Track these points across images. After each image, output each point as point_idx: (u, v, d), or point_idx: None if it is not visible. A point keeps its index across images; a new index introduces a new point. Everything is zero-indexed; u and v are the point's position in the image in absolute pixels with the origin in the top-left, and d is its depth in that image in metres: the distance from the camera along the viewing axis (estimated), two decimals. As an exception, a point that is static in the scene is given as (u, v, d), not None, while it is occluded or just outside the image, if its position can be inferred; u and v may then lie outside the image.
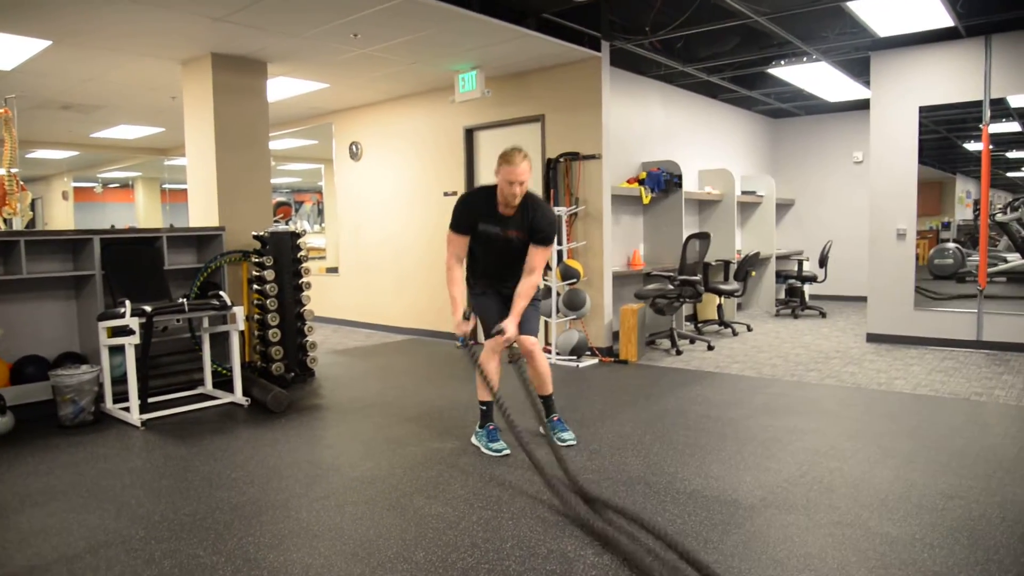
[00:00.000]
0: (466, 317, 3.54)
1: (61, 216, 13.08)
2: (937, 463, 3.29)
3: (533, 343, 3.61)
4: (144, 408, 4.30)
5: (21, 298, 4.60)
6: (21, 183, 5.10)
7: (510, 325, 3.43)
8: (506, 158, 3.33)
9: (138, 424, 4.17)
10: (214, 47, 5.29)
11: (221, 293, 4.73)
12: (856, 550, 2.42)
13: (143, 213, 13.62)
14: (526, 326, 3.58)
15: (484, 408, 3.69)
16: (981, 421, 4.01)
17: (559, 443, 3.63)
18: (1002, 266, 6.73)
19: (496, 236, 3.50)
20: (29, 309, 4.64)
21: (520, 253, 3.53)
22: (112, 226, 12.88)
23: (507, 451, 3.55)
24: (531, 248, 3.48)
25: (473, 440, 3.74)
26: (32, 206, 5.59)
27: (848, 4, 5.09)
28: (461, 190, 6.98)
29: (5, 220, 4.99)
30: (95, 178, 13.62)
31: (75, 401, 4.19)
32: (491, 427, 3.66)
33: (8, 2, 4.20)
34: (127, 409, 4.27)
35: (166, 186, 13.00)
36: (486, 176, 6.84)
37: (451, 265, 3.54)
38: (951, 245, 7.16)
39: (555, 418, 3.77)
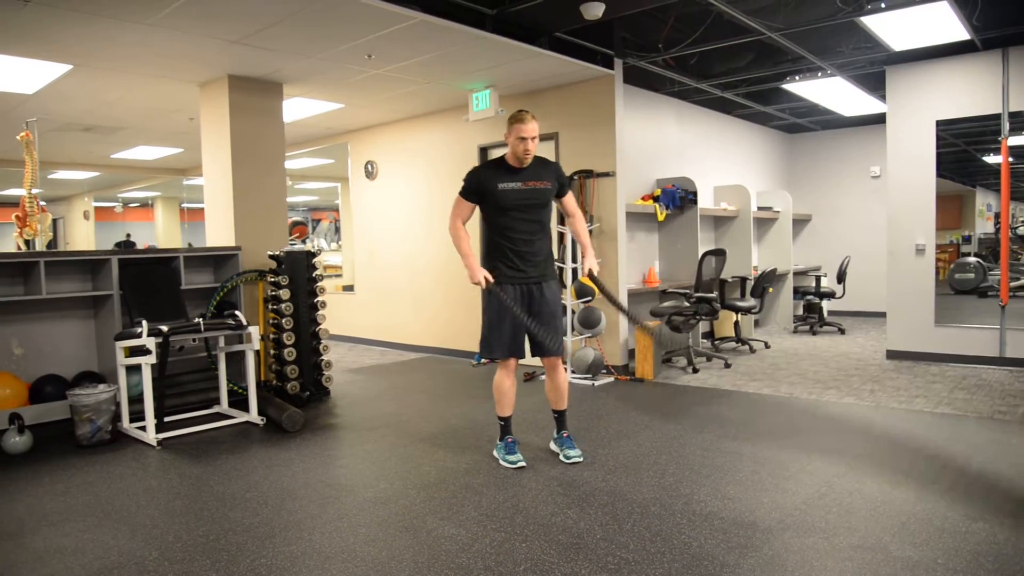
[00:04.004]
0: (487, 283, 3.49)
1: (82, 235, 13.26)
2: (960, 484, 3.22)
3: (557, 358, 3.71)
4: (160, 427, 4.32)
5: (40, 318, 4.65)
6: (42, 204, 5.18)
7: (592, 262, 3.65)
8: (516, 117, 3.49)
9: (154, 443, 4.19)
10: (230, 69, 5.36)
11: (237, 312, 4.76)
12: (876, 575, 2.37)
13: (162, 232, 13.78)
14: (555, 345, 3.61)
15: (502, 422, 3.72)
16: (1005, 440, 3.93)
17: (565, 460, 3.65)
18: (1024, 281, 6.63)
19: (518, 191, 3.52)
20: (48, 329, 4.70)
21: (540, 208, 3.60)
22: (128, 235, 13.08)
23: (523, 463, 3.59)
24: (564, 200, 3.74)
25: (494, 453, 3.78)
26: (53, 226, 5.67)
27: (862, 19, 5.07)
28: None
29: (26, 241, 5.07)
30: (116, 198, 13.82)
31: (92, 420, 4.21)
32: (509, 440, 3.69)
33: (30, 28, 4.29)
34: (143, 428, 4.29)
35: (185, 205, 13.15)
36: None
37: (457, 225, 3.63)
38: (972, 259, 7.06)
39: (565, 434, 3.79)
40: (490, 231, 3.64)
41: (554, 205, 3.83)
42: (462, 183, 3.65)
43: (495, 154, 6.88)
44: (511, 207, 3.53)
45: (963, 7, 4.96)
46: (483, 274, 3.50)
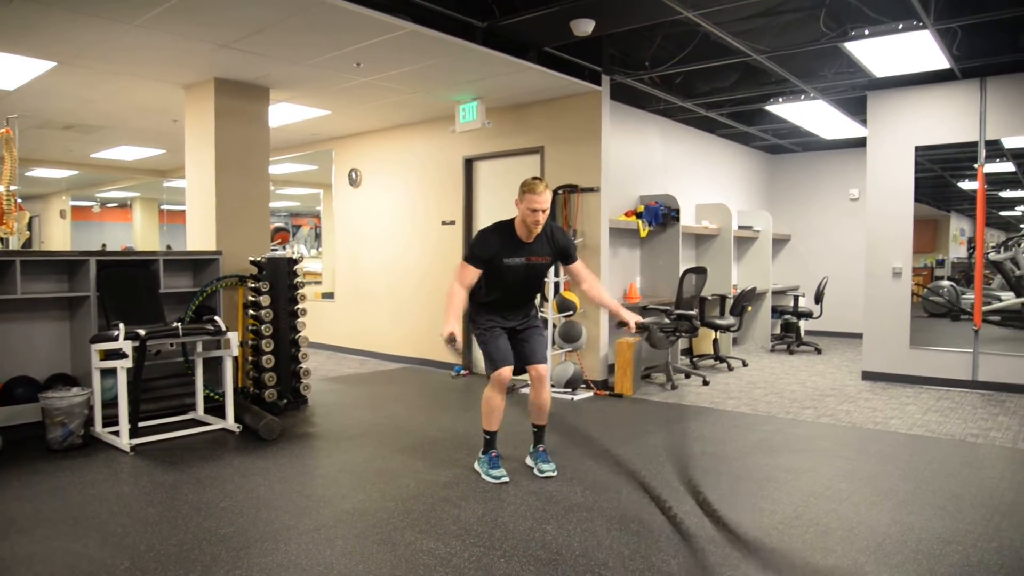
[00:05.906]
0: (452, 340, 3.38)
1: (58, 234, 13.06)
2: (934, 506, 3.26)
3: (545, 369, 3.72)
4: (134, 433, 4.24)
5: (14, 318, 4.57)
6: (19, 202, 5.10)
7: (632, 318, 3.59)
8: (529, 187, 3.48)
9: (127, 449, 4.12)
10: (217, 72, 5.32)
11: (216, 318, 4.70)
12: (853, 596, 2.38)
13: (140, 233, 13.62)
14: (539, 353, 3.72)
15: (488, 436, 3.70)
16: (977, 463, 3.99)
17: (539, 474, 3.67)
18: (996, 305, 6.75)
19: (519, 266, 3.58)
20: (22, 329, 4.61)
21: (537, 279, 3.72)
22: (103, 245, 12.89)
23: (506, 479, 3.59)
24: (572, 267, 3.75)
25: (475, 466, 3.77)
26: (29, 225, 5.58)
27: (845, 44, 5.16)
28: (460, 220, 7.00)
29: (1, 239, 4.98)
30: (94, 197, 13.63)
31: (65, 424, 4.13)
32: (493, 454, 3.68)
33: (16, 24, 4.23)
34: (117, 433, 4.22)
35: (164, 207, 13.02)
36: (485, 206, 6.87)
37: (456, 291, 3.53)
38: (945, 283, 7.18)
39: (541, 448, 3.79)
40: (485, 282, 3.64)
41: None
42: (470, 248, 3.64)
43: (480, 166, 6.94)
44: (511, 279, 3.61)
45: (944, 36, 5.06)
46: (452, 334, 3.34)
